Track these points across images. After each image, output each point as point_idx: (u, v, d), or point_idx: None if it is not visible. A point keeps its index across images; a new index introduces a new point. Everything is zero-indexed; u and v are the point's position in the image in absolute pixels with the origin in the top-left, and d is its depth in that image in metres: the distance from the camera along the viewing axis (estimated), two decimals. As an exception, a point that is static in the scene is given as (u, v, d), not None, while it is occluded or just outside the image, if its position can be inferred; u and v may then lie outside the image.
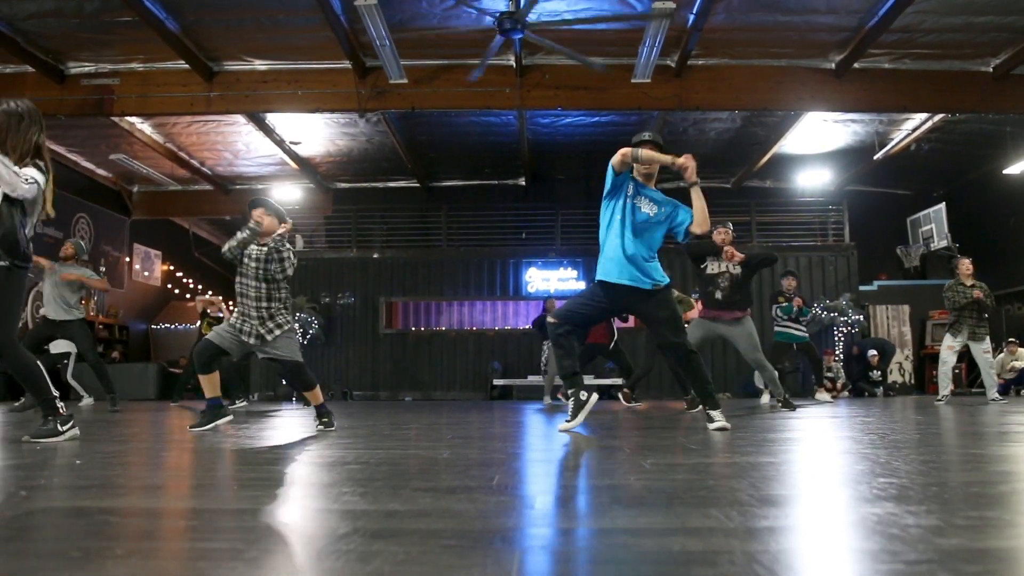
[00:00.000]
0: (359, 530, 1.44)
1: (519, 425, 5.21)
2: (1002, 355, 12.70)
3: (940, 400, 8.85)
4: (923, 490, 1.99)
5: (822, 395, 10.42)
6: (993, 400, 8.82)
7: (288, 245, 4.81)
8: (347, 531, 1.42)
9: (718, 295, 7.05)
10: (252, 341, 4.65)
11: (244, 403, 10.27)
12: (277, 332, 4.67)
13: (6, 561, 1.22)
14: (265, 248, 4.73)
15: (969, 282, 8.95)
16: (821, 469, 2.63)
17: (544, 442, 3.87)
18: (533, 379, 13.90)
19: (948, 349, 8.98)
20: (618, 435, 4.19)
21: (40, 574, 1.13)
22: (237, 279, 4.79)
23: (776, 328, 9.83)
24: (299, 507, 1.78)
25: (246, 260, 4.76)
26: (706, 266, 7.22)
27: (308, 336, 13.97)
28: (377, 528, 1.48)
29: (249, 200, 4.96)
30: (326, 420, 4.63)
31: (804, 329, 9.86)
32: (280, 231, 4.89)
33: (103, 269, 15.16)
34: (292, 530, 1.49)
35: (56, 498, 1.88)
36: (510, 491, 2.04)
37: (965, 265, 9.05)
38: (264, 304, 4.69)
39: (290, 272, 4.73)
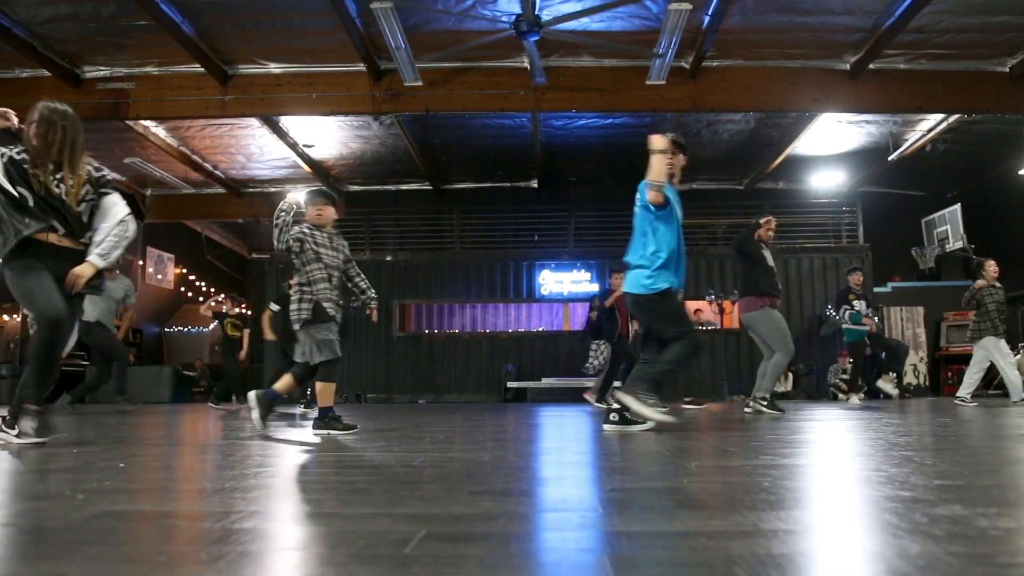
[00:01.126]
0: (433, 534, 1.43)
1: (541, 427, 5.20)
2: (1019, 356, 12.63)
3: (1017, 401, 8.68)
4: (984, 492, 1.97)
5: (886, 384, 10.24)
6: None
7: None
8: (423, 535, 1.41)
9: (780, 285, 7.08)
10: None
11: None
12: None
13: (93, 566, 1.21)
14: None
15: (997, 284, 8.97)
16: (875, 471, 2.61)
17: (576, 444, 3.85)
18: (547, 381, 13.89)
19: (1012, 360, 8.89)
20: (647, 436, 4.17)
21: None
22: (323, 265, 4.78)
23: (847, 327, 9.67)
24: (362, 511, 1.77)
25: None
26: (765, 258, 7.20)
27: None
28: (451, 532, 1.47)
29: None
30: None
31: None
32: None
33: (117, 272, 15.18)
34: (369, 533, 1.48)
35: (116, 502, 1.88)
36: (566, 494, 2.03)
37: (993, 267, 9.02)
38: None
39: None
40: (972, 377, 8.93)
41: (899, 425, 5.04)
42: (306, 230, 4.76)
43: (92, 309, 8.01)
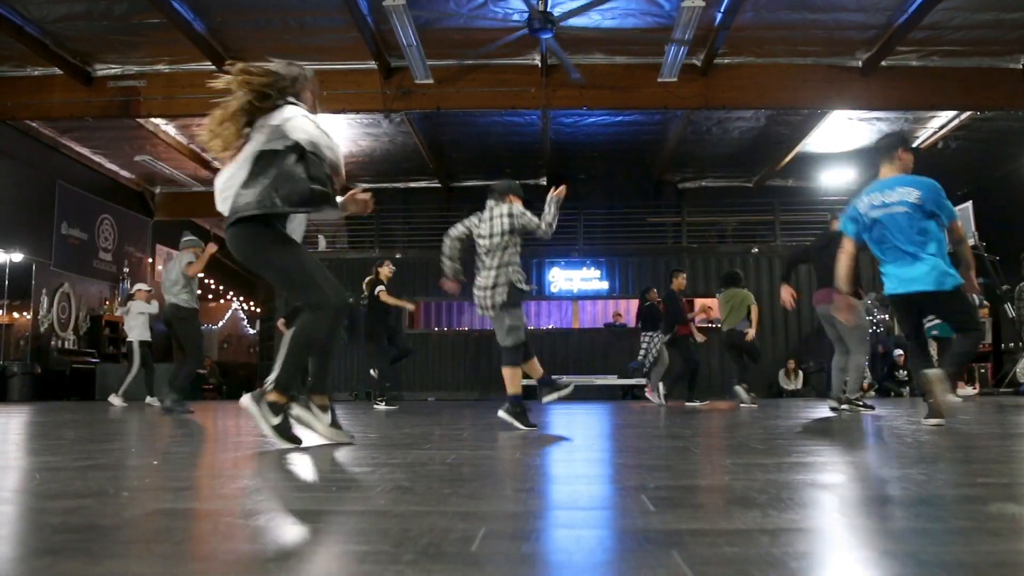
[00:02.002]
0: (494, 532, 1.43)
1: (556, 426, 5.18)
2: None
3: None
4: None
5: (964, 389, 10.20)
6: None
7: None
8: (484, 534, 1.41)
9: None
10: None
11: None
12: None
13: (161, 564, 1.20)
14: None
15: None
16: (921, 467, 2.59)
17: (602, 441, 3.84)
18: (556, 377, 13.84)
19: None
20: (671, 433, 4.16)
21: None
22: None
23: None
24: (412, 511, 1.77)
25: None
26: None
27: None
28: (512, 530, 1.47)
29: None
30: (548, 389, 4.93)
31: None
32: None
33: (127, 270, 15.23)
34: (427, 531, 1.47)
35: (161, 500, 1.88)
36: (610, 491, 2.02)
37: None
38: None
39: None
40: None
41: (914, 421, 5.03)
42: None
43: (190, 297, 7.79)
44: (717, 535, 1.44)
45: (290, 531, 1.50)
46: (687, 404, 9.25)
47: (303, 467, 2.64)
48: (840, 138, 13.82)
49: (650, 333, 10.21)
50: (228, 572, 1.15)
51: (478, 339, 14.99)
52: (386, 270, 9.52)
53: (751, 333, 9.04)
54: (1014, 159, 13.89)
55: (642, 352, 10.39)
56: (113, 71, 11.14)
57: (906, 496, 1.95)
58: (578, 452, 3.23)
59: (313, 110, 3.47)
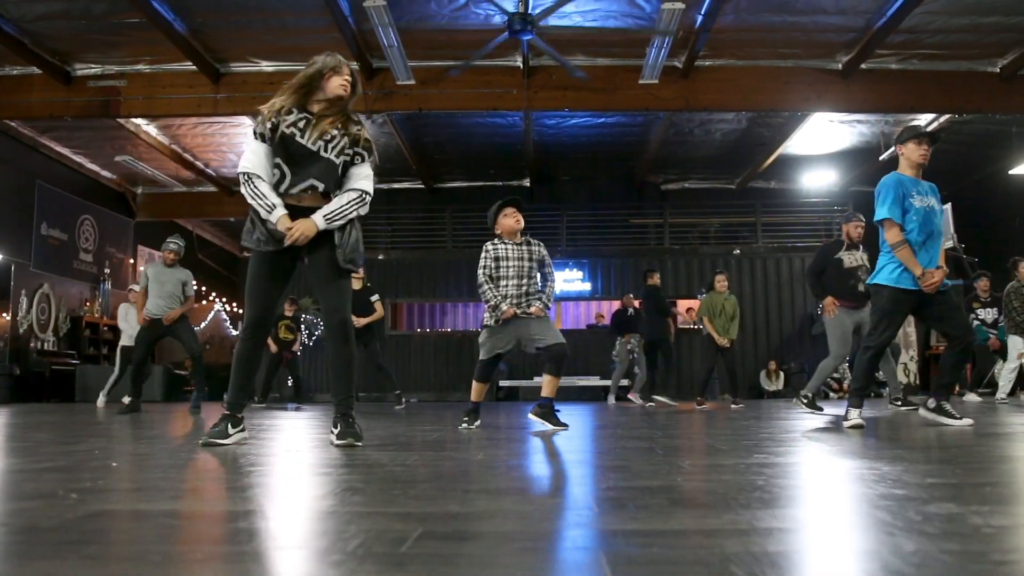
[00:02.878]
0: (429, 533, 1.43)
1: (533, 426, 5.19)
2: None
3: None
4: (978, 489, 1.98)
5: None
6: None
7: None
8: (419, 534, 1.41)
9: (860, 288, 6.95)
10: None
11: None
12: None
13: (86, 566, 1.21)
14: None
15: None
16: (845, 472, 2.62)
17: (569, 443, 3.86)
18: (539, 380, 13.89)
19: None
20: (641, 435, 4.18)
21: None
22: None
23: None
24: (355, 511, 1.77)
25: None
26: (841, 260, 7.14)
27: (314, 338, 13.95)
28: (447, 531, 1.47)
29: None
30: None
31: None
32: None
33: (108, 270, 15.15)
34: (364, 531, 1.48)
35: (109, 501, 1.87)
36: (561, 492, 2.04)
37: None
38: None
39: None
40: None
41: (890, 422, 5.07)
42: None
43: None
44: (652, 536, 1.45)
45: (225, 533, 1.50)
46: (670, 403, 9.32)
47: (259, 468, 2.63)
48: (821, 140, 13.90)
49: (625, 336, 10.33)
50: (145, 572, 1.15)
51: (460, 340, 14.99)
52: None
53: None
54: (993, 162, 14.00)
55: (615, 355, 10.51)
56: (93, 71, 11.07)
57: (851, 496, 1.97)
58: (540, 454, 3.24)
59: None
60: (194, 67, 10.69)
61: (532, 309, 5.00)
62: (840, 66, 10.98)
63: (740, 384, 13.90)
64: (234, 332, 17.41)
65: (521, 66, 10.99)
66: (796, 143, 13.79)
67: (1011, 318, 9.07)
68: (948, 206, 14.72)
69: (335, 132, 3.46)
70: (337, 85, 3.47)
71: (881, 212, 4.66)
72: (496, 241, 5.23)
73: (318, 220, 3.40)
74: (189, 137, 13.42)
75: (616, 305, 12.83)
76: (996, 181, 14.22)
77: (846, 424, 4.58)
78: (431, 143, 14.19)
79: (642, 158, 14.73)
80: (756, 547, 1.31)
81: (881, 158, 13.82)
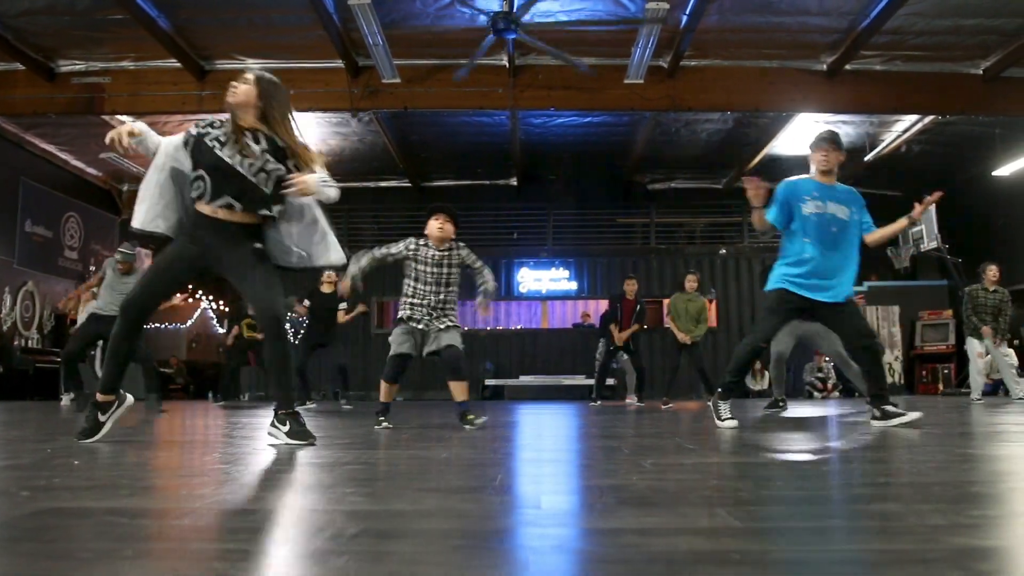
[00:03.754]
0: (368, 531, 1.44)
1: (511, 426, 5.21)
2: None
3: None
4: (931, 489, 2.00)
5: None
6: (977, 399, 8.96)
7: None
8: (356, 532, 1.42)
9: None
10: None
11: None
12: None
13: (18, 562, 1.21)
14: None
15: (992, 287, 9.09)
16: (825, 468, 2.64)
17: (539, 442, 3.87)
18: (525, 379, 13.94)
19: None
20: (615, 435, 4.20)
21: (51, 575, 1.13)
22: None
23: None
24: (305, 508, 1.78)
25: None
26: None
27: (299, 336, 13.90)
28: (385, 528, 1.48)
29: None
30: (471, 417, 4.84)
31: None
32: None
33: (93, 268, 15.08)
34: (301, 531, 1.49)
35: (59, 499, 1.87)
36: (513, 491, 2.05)
37: (992, 272, 9.14)
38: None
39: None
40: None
41: (866, 424, 5.10)
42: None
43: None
44: (589, 533, 1.46)
45: (160, 529, 1.50)
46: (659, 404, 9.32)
47: (221, 467, 2.64)
48: (807, 141, 13.87)
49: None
50: (73, 569, 1.16)
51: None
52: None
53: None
54: (976, 163, 14.07)
55: (598, 355, 10.57)
56: (77, 67, 11.02)
57: (798, 496, 1.99)
58: (507, 453, 3.25)
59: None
60: (179, 64, 10.66)
61: (476, 302, 5.05)
62: (825, 67, 11.02)
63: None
64: (220, 330, 17.36)
65: (507, 65, 10.99)
66: (782, 143, 13.84)
67: (968, 321, 9.14)
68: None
69: (253, 144, 3.46)
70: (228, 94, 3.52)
71: (769, 215, 4.75)
72: (424, 240, 5.11)
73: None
74: (174, 134, 13.34)
75: (603, 305, 12.84)
76: (980, 182, 14.29)
77: (719, 424, 4.54)
78: (417, 142, 14.18)
79: (629, 158, 14.75)
80: (684, 545, 1.33)
81: (867, 159, 13.90)
